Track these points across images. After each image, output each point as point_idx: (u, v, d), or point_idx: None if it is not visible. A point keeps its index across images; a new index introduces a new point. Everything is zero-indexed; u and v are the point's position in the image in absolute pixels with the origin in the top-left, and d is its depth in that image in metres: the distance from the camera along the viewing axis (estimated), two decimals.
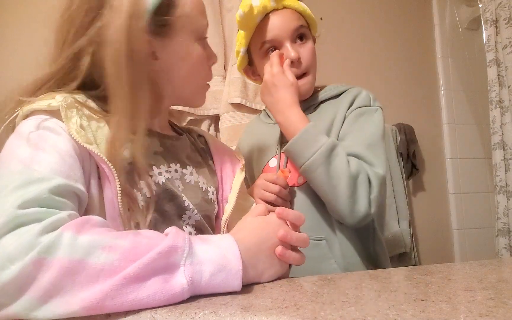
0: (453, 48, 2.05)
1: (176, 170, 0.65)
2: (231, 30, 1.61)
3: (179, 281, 0.40)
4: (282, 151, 0.87)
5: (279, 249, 0.51)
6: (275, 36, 0.88)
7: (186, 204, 0.63)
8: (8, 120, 0.54)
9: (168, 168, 0.64)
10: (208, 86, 0.74)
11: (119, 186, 0.52)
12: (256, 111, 1.58)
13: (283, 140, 0.90)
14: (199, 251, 0.43)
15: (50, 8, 0.60)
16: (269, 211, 0.57)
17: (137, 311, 0.39)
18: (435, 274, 0.48)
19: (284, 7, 0.89)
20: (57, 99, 0.53)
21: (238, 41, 0.95)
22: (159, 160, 0.63)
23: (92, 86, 0.60)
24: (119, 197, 0.52)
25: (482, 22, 1.76)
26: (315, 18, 0.93)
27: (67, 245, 0.38)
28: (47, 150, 0.49)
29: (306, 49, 0.89)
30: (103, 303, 0.37)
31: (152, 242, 0.41)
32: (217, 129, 1.62)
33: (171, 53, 0.64)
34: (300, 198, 0.87)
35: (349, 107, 0.88)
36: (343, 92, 0.93)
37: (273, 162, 0.92)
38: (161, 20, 0.61)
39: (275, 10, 0.88)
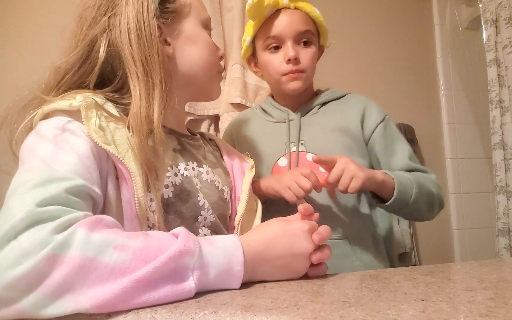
0: (453, 48, 2.05)
1: (193, 168, 0.66)
2: (231, 30, 1.60)
3: (189, 285, 0.41)
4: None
5: (314, 258, 0.51)
6: (279, 33, 0.89)
7: (201, 203, 0.63)
8: (29, 118, 0.55)
9: (187, 165, 0.65)
10: (221, 77, 0.76)
11: (136, 186, 0.52)
12: None
13: (292, 140, 0.93)
14: (206, 253, 0.44)
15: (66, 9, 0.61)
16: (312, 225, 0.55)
17: (137, 311, 0.39)
18: (435, 274, 0.48)
19: (296, 8, 0.90)
20: (78, 99, 0.53)
21: (246, 30, 0.97)
22: (177, 158, 0.64)
23: (107, 81, 0.61)
24: (136, 198, 0.52)
25: (482, 22, 1.76)
26: (327, 28, 0.96)
27: (80, 242, 0.39)
28: (67, 150, 0.49)
29: (307, 53, 0.90)
30: (114, 303, 0.38)
31: (162, 243, 0.42)
32: (217, 129, 1.62)
33: (182, 38, 0.67)
34: (322, 199, 0.88)
35: (362, 117, 0.93)
36: (345, 95, 0.98)
37: (283, 162, 0.92)
38: (169, 7, 0.65)
39: (286, 8, 0.89)
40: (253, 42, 0.97)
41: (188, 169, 0.64)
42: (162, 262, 0.40)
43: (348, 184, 0.75)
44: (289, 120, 0.95)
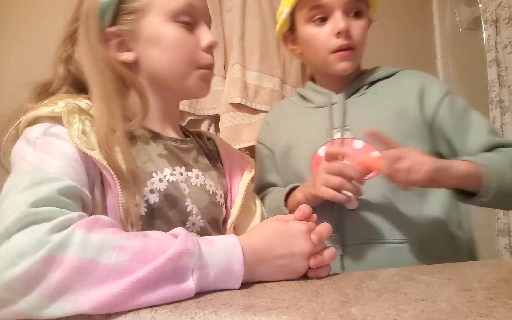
0: (453, 48, 2.05)
1: (181, 173, 0.63)
2: (231, 30, 1.60)
3: (189, 285, 0.41)
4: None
5: (313, 262, 0.50)
6: (328, 2, 0.77)
7: (189, 209, 0.61)
8: (12, 128, 0.55)
9: (173, 170, 0.62)
10: (208, 72, 0.67)
11: (121, 193, 0.52)
12: (256, 111, 1.58)
13: (335, 125, 0.81)
14: (206, 254, 0.44)
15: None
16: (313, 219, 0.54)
17: (137, 311, 0.39)
18: (435, 274, 0.48)
19: None
20: (60, 105, 0.53)
21: (283, 0, 0.85)
22: (163, 163, 0.62)
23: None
24: (120, 204, 0.52)
25: (482, 22, 1.76)
26: None
27: (79, 244, 0.39)
28: (54, 154, 0.49)
29: (358, 25, 0.79)
30: (114, 304, 0.38)
31: (161, 243, 0.42)
32: (217, 129, 1.62)
33: (142, 40, 0.63)
34: (368, 195, 0.74)
35: (420, 96, 0.79)
36: (395, 73, 0.87)
37: (323, 151, 0.80)
38: (126, 9, 0.62)
39: None
40: (291, 14, 0.84)
41: (175, 174, 0.62)
42: (161, 263, 0.40)
43: (404, 177, 0.61)
44: (331, 104, 0.83)
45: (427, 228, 0.75)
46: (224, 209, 0.71)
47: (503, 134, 1.67)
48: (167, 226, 0.58)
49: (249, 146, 1.60)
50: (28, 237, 0.38)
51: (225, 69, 1.62)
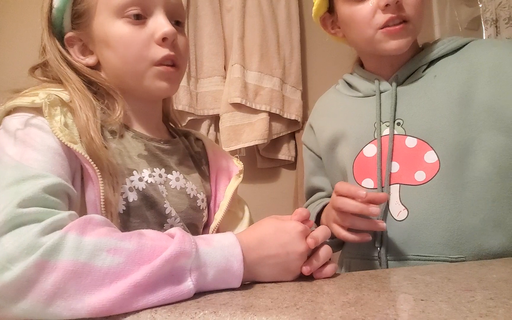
0: None
1: (160, 175, 0.61)
2: (231, 30, 1.61)
3: (187, 286, 0.41)
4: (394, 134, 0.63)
5: (305, 270, 0.49)
6: None
7: (167, 211, 0.59)
8: None
9: (152, 172, 0.60)
10: (165, 68, 0.60)
11: (102, 186, 0.50)
12: (256, 111, 1.58)
13: (384, 119, 0.69)
14: (204, 254, 0.43)
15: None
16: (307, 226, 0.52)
17: (137, 311, 0.39)
18: (435, 274, 0.48)
19: None
20: (40, 96, 0.51)
21: None
22: (142, 164, 0.60)
23: None
24: (101, 200, 0.50)
25: (482, 22, 1.76)
26: None
27: (72, 248, 0.38)
28: (37, 148, 0.48)
29: None
30: (111, 309, 0.38)
31: (157, 244, 0.41)
32: (217, 129, 1.62)
33: (97, 42, 0.60)
34: (420, 203, 0.64)
35: (496, 75, 0.64)
36: (464, 45, 0.70)
37: (370, 150, 0.70)
38: (78, 10, 0.60)
39: None
40: None
41: (154, 176, 0.60)
42: (158, 265, 0.39)
43: None
44: (380, 92, 0.71)
45: (497, 244, 0.61)
46: (205, 213, 0.69)
47: None
48: (145, 225, 0.56)
49: (249, 146, 1.60)
50: (18, 240, 0.37)
51: (225, 69, 1.62)
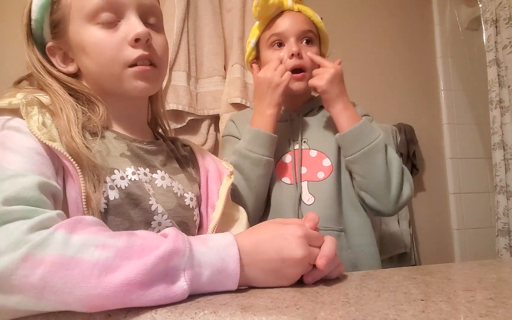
0: (453, 48, 2.05)
1: (145, 174, 0.61)
2: (231, 30, 1.60)
3: (181, 286, 0.40)
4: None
5: (307, 281, 0.48)
6: (283, 31, 0.94)
7: (153, 208, 0.59)
8: None
9: (136, 170, 0.60)
10: (140, 68, 0.60)
11: (83, 183, 0.50)
12: None
13: (295, 138, 0.96)
14: (198, 253, 0.42)
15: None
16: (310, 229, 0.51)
17: (137, 311, 0.39)
18: (435, 274, 0.48)
19: (299, 11, 0.96)
20: (18, 97, 0.52)
21: (252, 33, 1.02)
22: (124, 163, 0.60)
23: None
24: (83, 197, 0.50)
25: (482, 22, 1.76)
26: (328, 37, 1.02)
27: (60, 243, 0.38)
28: (15, 149, 0.48)
29: (309, 50, 0.95)
30: (103, 304, 0.37)
31: (148, 243, 0.41)
32: (217, 129, 1.62)
33: (74, 49, 0.61)
34: (322, 192, 0.91)
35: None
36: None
37: (287, 158, 0.95)
38: (54, 20, 0.61)
39: (290, 10, 0.96)
40: (257, 45, 1.01)
41: (138, 174, 0.60)
42: (152, 263, 0.38)
43: None
44: (291, 120, 0.99)
45: (353, 220, 0.92)
46: (196, 213, 0.69)
47: (503, 134, 1.67)
48: (128, 224, 0.56)
49: None
50: (5, 236, 0.37)
51: (225, 69, 1.62)
